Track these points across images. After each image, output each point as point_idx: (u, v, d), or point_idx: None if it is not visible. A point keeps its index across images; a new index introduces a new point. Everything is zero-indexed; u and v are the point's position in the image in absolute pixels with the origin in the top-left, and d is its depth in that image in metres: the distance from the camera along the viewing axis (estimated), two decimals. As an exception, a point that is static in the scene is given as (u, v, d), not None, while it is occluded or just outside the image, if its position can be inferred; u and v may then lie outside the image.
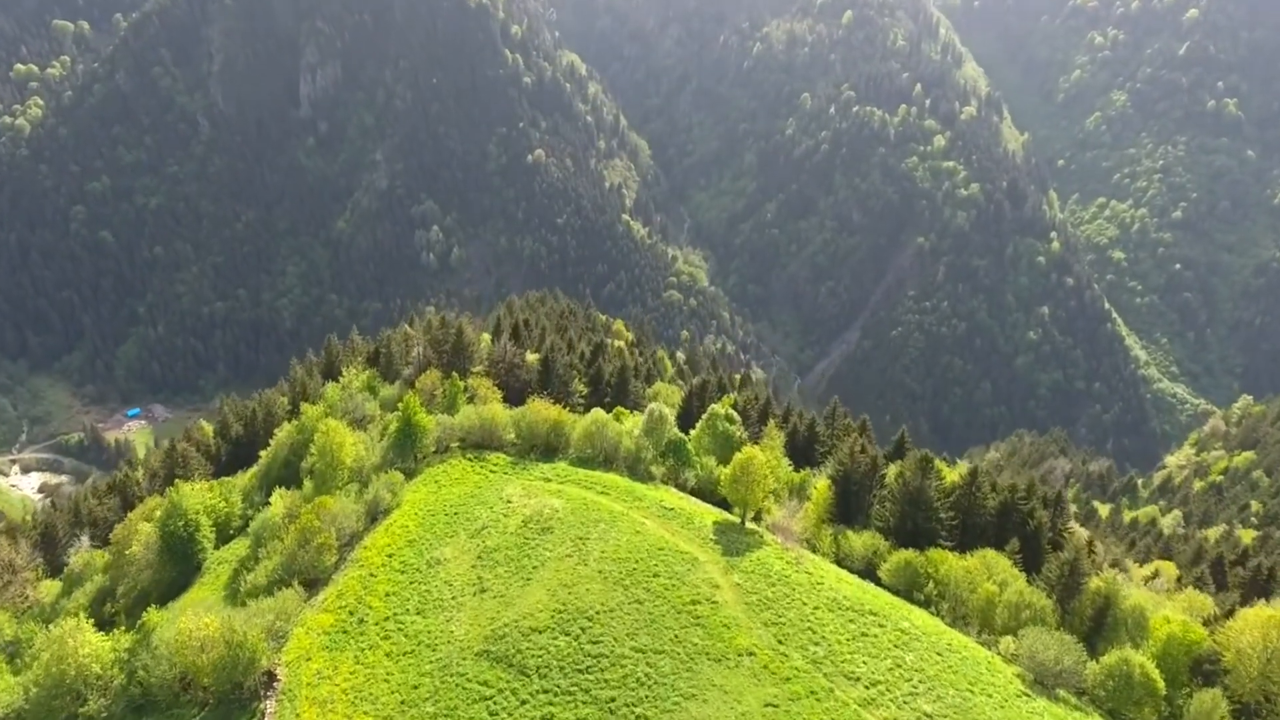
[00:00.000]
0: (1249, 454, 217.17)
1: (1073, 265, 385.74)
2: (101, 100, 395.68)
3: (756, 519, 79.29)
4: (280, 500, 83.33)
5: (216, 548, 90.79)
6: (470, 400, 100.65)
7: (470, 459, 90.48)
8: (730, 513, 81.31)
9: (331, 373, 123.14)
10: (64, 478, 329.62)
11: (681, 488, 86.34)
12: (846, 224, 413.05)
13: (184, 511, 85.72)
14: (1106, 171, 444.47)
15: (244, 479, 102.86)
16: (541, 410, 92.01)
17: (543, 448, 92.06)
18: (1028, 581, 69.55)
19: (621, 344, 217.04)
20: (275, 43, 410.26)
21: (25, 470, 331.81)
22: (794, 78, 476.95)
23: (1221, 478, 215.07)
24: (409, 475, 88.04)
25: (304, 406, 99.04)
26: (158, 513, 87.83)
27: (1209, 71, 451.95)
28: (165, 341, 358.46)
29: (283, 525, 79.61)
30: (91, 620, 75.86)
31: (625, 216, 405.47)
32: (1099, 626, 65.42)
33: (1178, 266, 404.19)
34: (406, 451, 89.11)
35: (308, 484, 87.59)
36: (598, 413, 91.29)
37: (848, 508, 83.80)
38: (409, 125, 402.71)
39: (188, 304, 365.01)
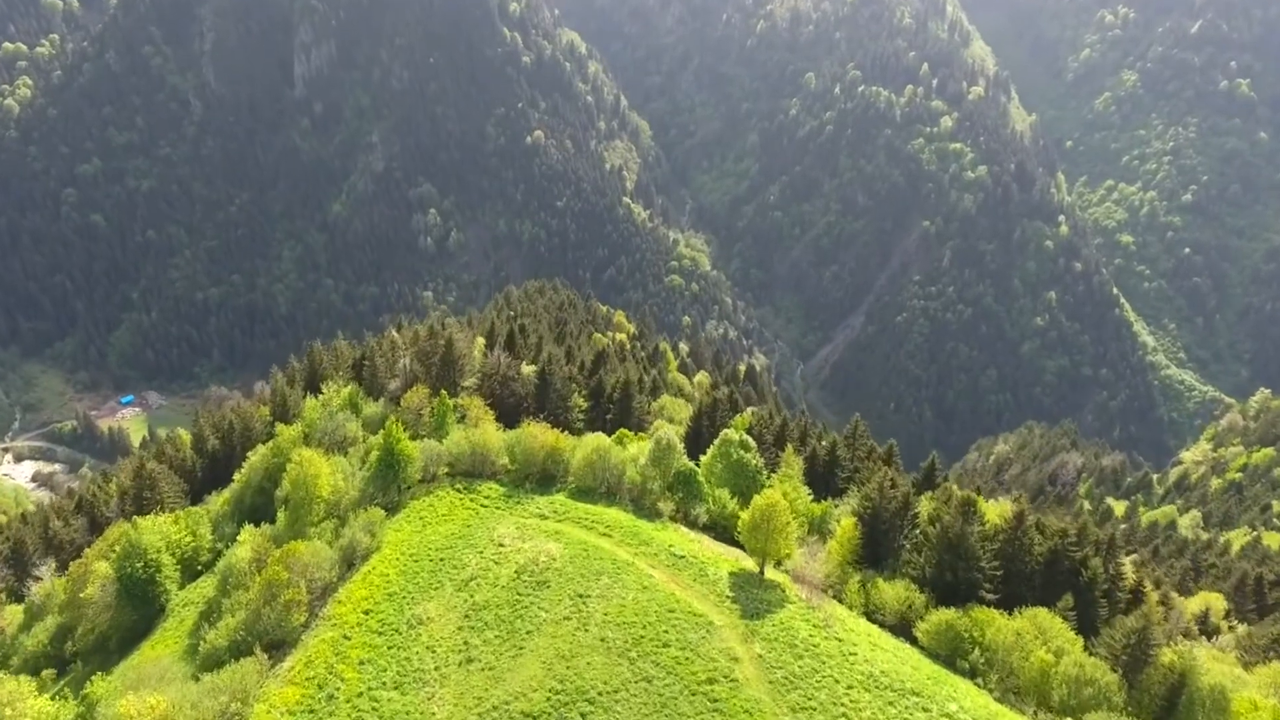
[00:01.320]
0: (1269, 450, 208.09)
1: (1081, 250, 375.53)
2: (91, 80, 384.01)
3: (776, 563, 70.49)
4: (248, 540, 74.52)
5: (183, 586, 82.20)
6: (460, 420, 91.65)
7: (460, 490, 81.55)
8: (746, 551, 72.80)
9: (314, 383, 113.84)
10: (57, 466, 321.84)
11: (692, 525, 77.46)
12: (851, 207, 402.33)
13: (143, 552, 76.95)
14: (1115, 153, 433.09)
15: (217, 503, 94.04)
16: (537, 435, 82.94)
17: (539, 476, 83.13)
18: (1086, 648, 60.90)
19: (623, 337, 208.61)
20: (268, 21, 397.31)
21: (18, 459, 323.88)
22: (798, 56, 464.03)
23: (1240, 475, 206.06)
24: (391, 510, 79.16)
25: (279, 428, 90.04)
26: (119, 547, 79.06)
27: (1221, 51, 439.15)
28: (159, 327, 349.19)
29: (249, 571, 70.85)
30: (34, 681, 67.43)
31: (626, 199, 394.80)
32: (1171, 707, 56.87)
33: (1187, 251, 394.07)
34: (388, 483, 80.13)
35: (281, 517, 78.76)
36: (599, 439, 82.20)
37: (876, 548, 74.99)
38: (405, 106, 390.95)
39: (181, 289, 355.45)
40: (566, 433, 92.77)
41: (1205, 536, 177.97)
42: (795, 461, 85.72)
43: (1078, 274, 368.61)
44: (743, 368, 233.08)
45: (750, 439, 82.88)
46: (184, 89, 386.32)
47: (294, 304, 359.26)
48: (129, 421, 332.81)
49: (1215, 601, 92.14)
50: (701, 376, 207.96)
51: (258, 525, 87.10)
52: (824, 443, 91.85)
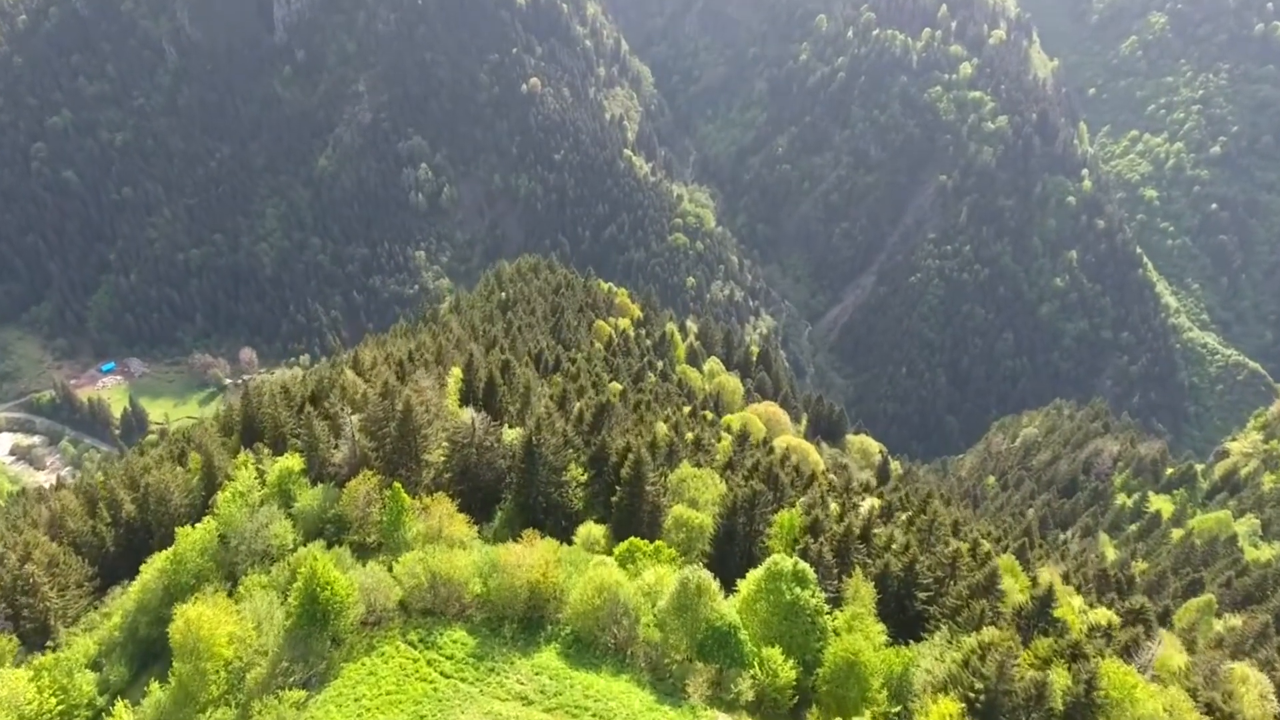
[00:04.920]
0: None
1: (1104, 206, 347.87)
2: (58, 25, 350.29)
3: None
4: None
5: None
6: (423, 512, 67.89)
7: (415, 643, 58.16)
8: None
9: (253, 429, 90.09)
10: (36, 439, 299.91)
11: (732, 705, 54.42)
12: (863, 160, 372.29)
13: (-25, 747, 54.09)
14: (1141, 101, 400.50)
15: (113, 617, 70.91)
16: (519, 562, 59.24)
17: (523, 616, 59.83)
18: None
19: (627, 323, 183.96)
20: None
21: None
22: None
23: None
24: (317, 682, 55.90)
25: (179, 534, 66.52)
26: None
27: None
28: (139, 290, 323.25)
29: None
30: None
31: (627, 152, 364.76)
32: None
33: (1214, 206, 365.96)
34: (312, 644, 56.62)
35: (175, 675, 55.68)
36: (602, 573, 58.53)
37: (988, 741, 52.28)
38: (393, 52, 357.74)
39: (160, 249, 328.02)
40: (560, 537, 69.51)
41: (1269, 554, 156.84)
42: (866, 592, 62.28)
43: (1100, 232, 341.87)
44: (755, 350, 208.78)
45: (806, 568, 59.11)
46: (157, 35, 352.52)
47: (279, 265, 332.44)
48: (110, 391, 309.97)
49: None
50: (712, 364, 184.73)
51: (155, 661, 64.94)
52: (896, 545, 68.19)
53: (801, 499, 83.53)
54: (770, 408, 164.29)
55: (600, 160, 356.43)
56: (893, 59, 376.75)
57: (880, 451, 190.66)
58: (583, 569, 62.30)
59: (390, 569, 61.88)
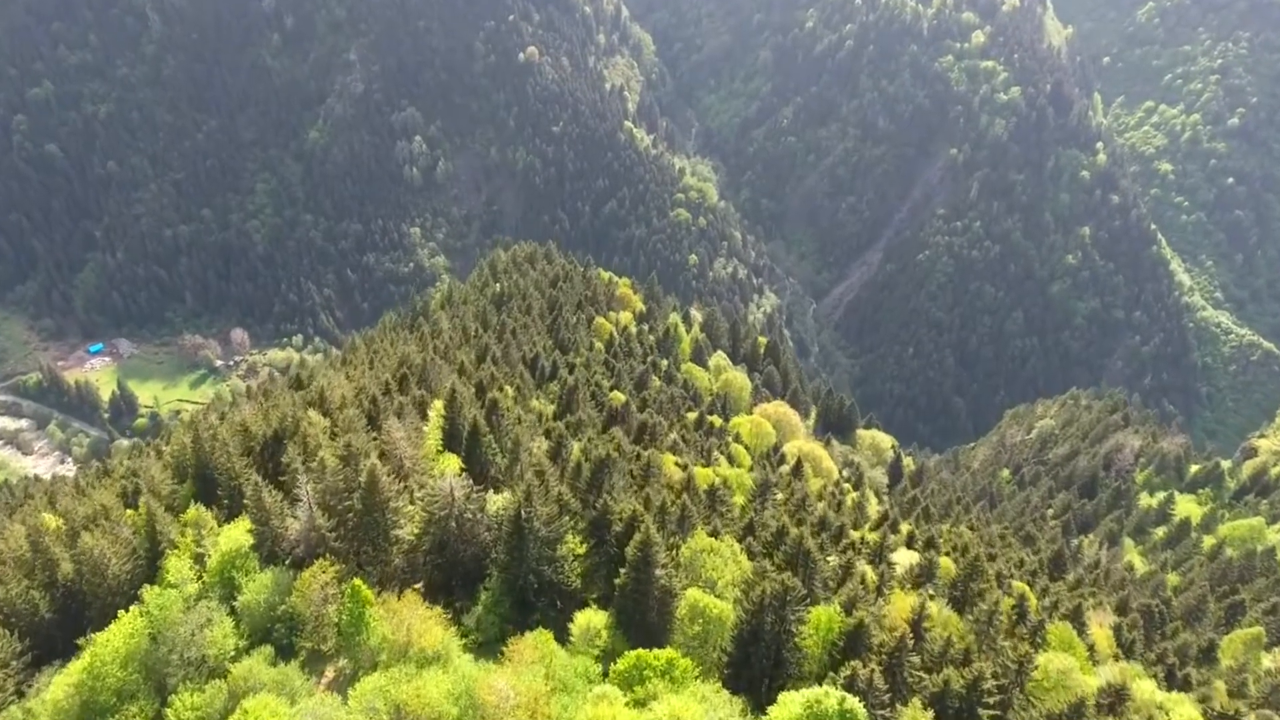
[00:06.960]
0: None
1: (1119, 180, 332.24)
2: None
3: None
4: None
5: None
6: (390, 617, 55.81)
7: (373, 799, 46.55)
8: None
9: (204, 478, 77.83)
10: (24, 422, 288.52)
11: None
12: (871, 132, 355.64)
13: None
14: (1157, 71, 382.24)
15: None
16: (503, 703, 47.32)
17: (507, 758, 48.11)
18: None
19: (629, 317, 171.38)
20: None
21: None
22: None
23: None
24: None
25: (97, 643, 54.63)
26: None
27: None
28: (126, 269, 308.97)
29: None
30: None
31: (628, 124, 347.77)
32: None
33: (1230, 181, 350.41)
34: (246, 811, 45.00)
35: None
36: (604, 713, 46.63)
37: None
38: (385, 19, 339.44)
39: (148, 226, 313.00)
40: (554, 623, 57.58)
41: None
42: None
43: (1114, 207, 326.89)
44: (763, 341, 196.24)
45: (856, 707, 47.20)
46: (140, 2, 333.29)
47: (271, 242, 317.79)
48: (98, 373, 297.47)
49: None
50: (718, 359, 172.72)
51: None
52: (954, 650, 56.28)
53: (835, 560, 71.86)
54: (779, 408, 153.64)
55: (600, 132, 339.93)
56: (902, 26, 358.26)
57: (892, 447, 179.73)
58: (580, 697, 50.59)
59: (345, 697, 50.03)
